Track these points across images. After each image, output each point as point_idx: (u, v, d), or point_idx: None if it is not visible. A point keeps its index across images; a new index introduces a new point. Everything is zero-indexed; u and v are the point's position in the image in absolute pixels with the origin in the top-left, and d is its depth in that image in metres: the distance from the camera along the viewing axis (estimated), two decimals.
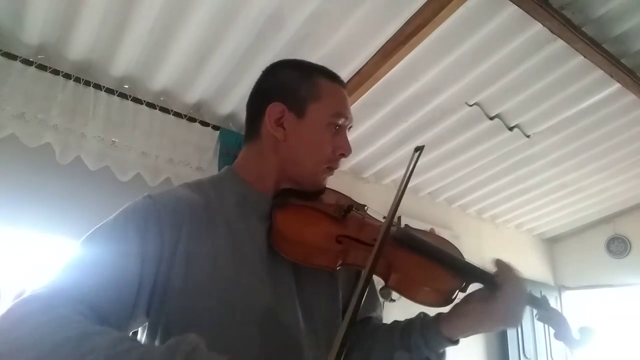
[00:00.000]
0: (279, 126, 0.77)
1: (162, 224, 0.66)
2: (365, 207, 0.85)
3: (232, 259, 0.69)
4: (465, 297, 0.75)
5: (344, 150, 0.79)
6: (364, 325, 0.86)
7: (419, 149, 0.80)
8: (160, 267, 0.64)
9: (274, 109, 0.77)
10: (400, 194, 0.74)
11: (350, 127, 0.83)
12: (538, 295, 0.79)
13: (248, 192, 0.78)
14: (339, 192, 0.87)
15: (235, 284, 0.67)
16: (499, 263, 0.74)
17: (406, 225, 0.84)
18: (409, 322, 0.79)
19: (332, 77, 0.82)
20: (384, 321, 0.89)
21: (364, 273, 0.61)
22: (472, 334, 0.73)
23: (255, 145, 0.81)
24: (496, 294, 0.70)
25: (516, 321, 0.70)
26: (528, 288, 0.73)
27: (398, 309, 2.67)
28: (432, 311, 0.78)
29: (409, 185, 0.77)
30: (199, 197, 0.73)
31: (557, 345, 3.73)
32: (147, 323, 0.67)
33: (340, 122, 0.79)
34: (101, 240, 0.63)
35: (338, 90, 0.81)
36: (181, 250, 0.66)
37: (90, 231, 0.64)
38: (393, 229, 0.81)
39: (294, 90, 0.78)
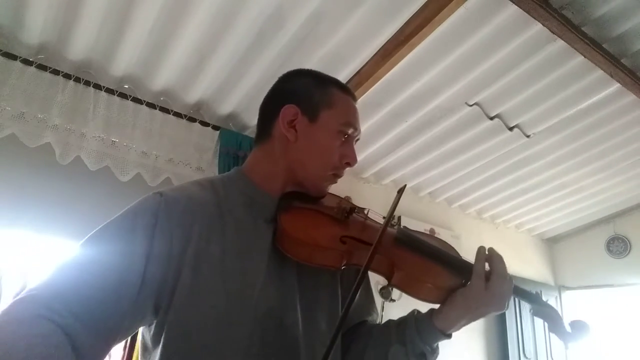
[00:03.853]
0: (291, 128, 0.80)
1: (171, 223, 0.67)
2: (366, 210, 0.88)
3: (240, 258, 0.70)
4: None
5: (350, 159, 0.82)
6: (361, 328, 0.88)
7: (401, 191, 0.82)
8: (170, 265, 0.65)
9: (288, 111, 0.80)
10: (386, 221, 0.77)
11: (358, 139, 0.86)
12: (532, 291, 0.84)
13: (255, 193, 0.79)
14: (339, 197, 0.90)
15: (242, 283, 0.69)
16: (484, 253, 0.78)
17: (404, 227, 0.87)
18: (404, 319, 0.82)
19: (346, 89, 0.86)
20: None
21: (362, 269, 0.64)
22: (463, 323, 0.75)
23: (265, 146, 0.83)
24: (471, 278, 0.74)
25: (499, 302, 0.74)
26: (499, 268, 0.76)
27: (398, 309, 2.68)
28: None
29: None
30: (210, 196, 0.75)
31: (557, 345, 3.73)
32: (154, 321, 0.67)
33: (350, 131, 0.81)
34: (107, 238, 0.64)
35: (350, 102, 0.84)
36: (192, 249, 0.67)
37: (99, 227, 0.65)
38: (393, 230, 0.84)
39: (309, 96, 0.81)
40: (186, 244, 0.66)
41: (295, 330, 0.71)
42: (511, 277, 0.76)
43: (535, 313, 0.81)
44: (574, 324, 0.78)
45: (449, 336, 0.76)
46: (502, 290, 0.73)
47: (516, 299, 0.81)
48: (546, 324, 0.81)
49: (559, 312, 0.80)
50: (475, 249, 0.80)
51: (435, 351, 0.77)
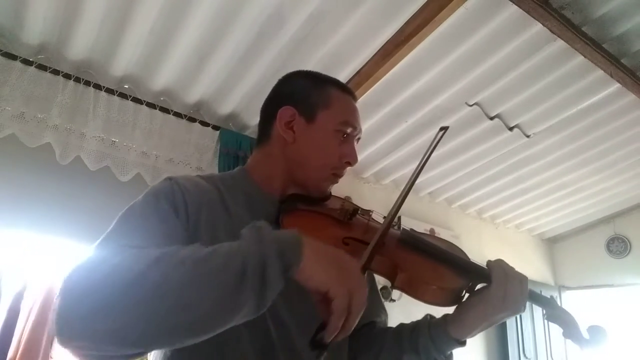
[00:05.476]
0: (289, 129, 0.80)
1: (186, 202, 0.68)
2: (371, 212, 0.87)
3: None
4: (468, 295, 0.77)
5: (350, 158, 0.81)
6: (370, 329, 0.87)
7: (444, 129, 0.80)
8: (187, 240, 0.65)
9: (285, 112, 0.80)
10: (415, 174, 0.76)
11: (359, 138, 0.85)
12: (546, 295, 0.81)
13: (255, 192, 0.80)
14: (343, 199, 0.90)
15: None
16: (490, 262, 0.77)
17: (411, 229, 0.85)
18: (416, 325, 0.81)
19: (344, 88, 0.85)
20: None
21: (362, 259, 0.64)
22: (479, 330, 0.74)
23: (265, 147, 0.83)
24: (491, 284, 0.73)
25: (516, 308, 0.72)
26: (517, 274, 0.75)
27: (398, 309, 2.67)
28: (438, 312, 0.79)
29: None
30: (213, 189, 0.75)
31: (557, 345, 3.73)
32: None
33: (348, 130, 0.81)
34: (138, 213, 0.64)
35: (348, 100, 0.84)
36: (203, 234, 0.67)
37: (123, 210, 0.65)
38: (397, 231, 0.82)
39: (306, 97, 0.81)
40: (197, 223, 0.67)
41: (273, 334, 0.68)
42: (526, 278, 0.74)
43: (549, 318, 0.79)
44: (592, 330, 0.76)
45: (463, 343, 0.75)
46: (517, 293, 0.72)
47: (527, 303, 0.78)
48: (560, 329, 0.78)
49: (571, 313, 0.78)
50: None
51: (449, 359, 0.77)
